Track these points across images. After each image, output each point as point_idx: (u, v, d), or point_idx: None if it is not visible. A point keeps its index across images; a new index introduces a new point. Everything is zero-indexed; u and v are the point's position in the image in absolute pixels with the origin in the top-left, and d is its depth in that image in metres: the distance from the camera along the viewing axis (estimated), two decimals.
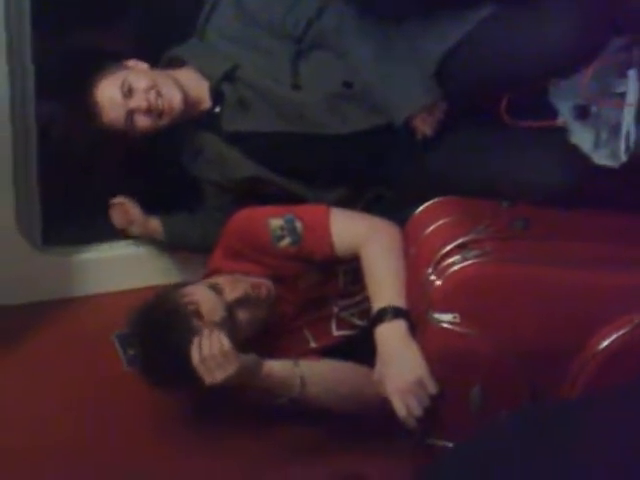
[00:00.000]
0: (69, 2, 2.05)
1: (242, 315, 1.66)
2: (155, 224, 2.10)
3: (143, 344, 1.63)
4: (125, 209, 2.08)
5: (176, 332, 1.59)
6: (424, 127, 1.77)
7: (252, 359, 1.56)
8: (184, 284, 1.73)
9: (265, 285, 1.72)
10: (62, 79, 2.07)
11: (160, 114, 1.87)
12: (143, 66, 1.94)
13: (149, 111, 1.86)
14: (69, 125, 2.14)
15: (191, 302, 1.63)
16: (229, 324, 1.63)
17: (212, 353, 1.52)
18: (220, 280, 1.70)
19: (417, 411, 1.48)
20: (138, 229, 2.10)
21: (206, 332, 1.54)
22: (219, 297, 1.64)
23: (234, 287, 1.67)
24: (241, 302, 1.66)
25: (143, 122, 1.88)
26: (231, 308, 1.65)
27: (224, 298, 1.65)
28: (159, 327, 1.61)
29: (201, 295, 1.65)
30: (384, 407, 1.52)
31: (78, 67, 2.08)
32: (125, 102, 1.86)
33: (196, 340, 1.54)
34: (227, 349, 1.52)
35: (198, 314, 1.61)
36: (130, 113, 1.87)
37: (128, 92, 1.86)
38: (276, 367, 1.60)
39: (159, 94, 1.85)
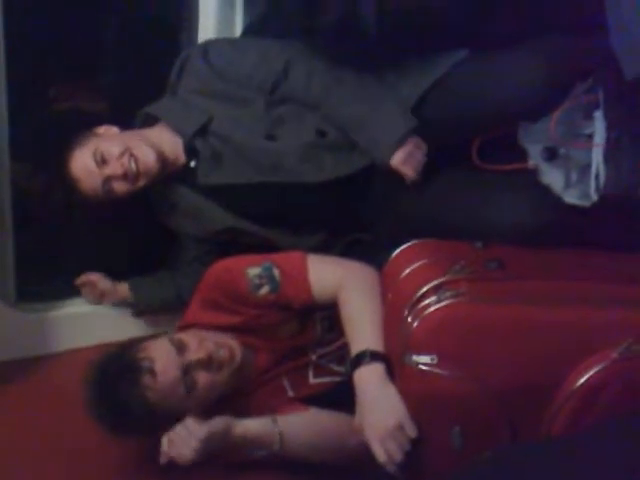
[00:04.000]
0: (45, 62, 2.08)
1: (202, 376, 1.65)
2: (124, 289, 2.10)
3: (94, 391, 1.63)
4: (93, 284, 2.08)
5: (125, 387, 1.60)
6: (405, 169, 1.77)
7: (221, 423, 1.55)
8: (152, 337, 1.72)
9: (231, 348, 1.70)
10: (38, 137, 2.08)
11: (136, 177, 1.87)
12: (114, 130, 1.94)
13: (125, 176, 1.86)
14: (43, 181, 2.14)
15: (146, 358, 1.63)
16: (186, 384, 1.62)
17: (175, 432, 1.54)
18: (187, 338, 1.68)
19: (398, 456, 1.45)
20: (110, 299, 2.10)
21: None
22: (178, 356, 1.63)
23: (199, 347, 1.66)
24: (203, 363, 1.64)
25: (121, 187, 1.88)
26: (190, 368, 1.64)
27: (185, 357, 1.64)
28: (110, 379, 1.62)
29: (159, 352, 1.64)
30: (367, 454, 1.49)
31: (54, 125, 2.10)
32: (100, 170, 1.86)
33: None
34: (188, 424, 1.53)
35: (151, 371, 1.61)
36: (107, 180, 1.87)
37: (101, 160, 1.85)
38: (252, 426, 1.60)
39: (133, 157, 1.86)
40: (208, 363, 1.65)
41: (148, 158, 1.87)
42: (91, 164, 1.86)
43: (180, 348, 1.64)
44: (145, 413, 1.61)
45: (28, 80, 2.03)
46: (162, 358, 1.63)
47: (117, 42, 2.21)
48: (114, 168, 1.85)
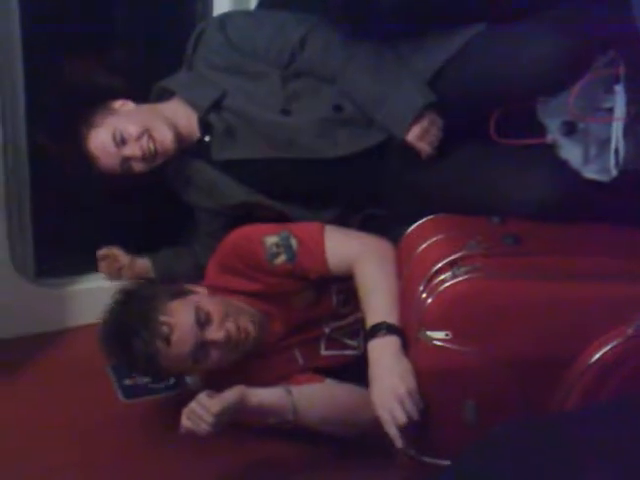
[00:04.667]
0: (60, 35, 2.08)
1: (214, 353, 1.66)
2: (143, 264, 2.12)
3: (109, 332, 1.67)
4: (112, 258, 2.10)
5: (138, 343, 1.60)
6: (421, 144, 1.75)
7: (234, 395, 1.54)
8: (182, 295, 1.71)
9: (249, 331, 1.69)
10: (56, 112, 2.09)
11: (154, 157, 1.89)
12: (130, 106, 1.94)
13: (143, 157, 1.88)
14: (61, 157, 2.15)
15: (167, 324, 1.62)
16: (196, 357, 1.64)
17: (191, 408, 1.53)
18: (213, 311, 1.67)
19: (402, 419, 1.44)
20: (128, 273, 2.11)
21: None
22: (198, 330, 1.63)
23: (220, 326, 1.65)
24: (219, 344, 1.65)
25: (139, 166, 1.91)
26: (206, 344, 1.64)
27: (204, 334, 1.64)
28: (126, 331, 1.63)
29: (181, 321, 1.63)
30: (380, 427, 1.48)
31: (71, 99, 2.11)
32: (119, 150, 1.88)
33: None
34: (202, 400, 1.52)
35: (167, 339, 1.62)
36: (125, 160, 1.89)
37: (121, 141, 1.87)
38: (266, 396, 1.60)
39: (151, 139, 1.87)
40: (225, 344, 1.65)
41: (166, 139, 1.89)
42: (109, 144, 1.88)
43: (202, 323, 1.64)
44: (151, 369, 1.66)
45: (44, 53, 2.03)
46: (181, 329, 1.62)
47: (132, 15, 2.20)
48: (133, 150, 1.87)
